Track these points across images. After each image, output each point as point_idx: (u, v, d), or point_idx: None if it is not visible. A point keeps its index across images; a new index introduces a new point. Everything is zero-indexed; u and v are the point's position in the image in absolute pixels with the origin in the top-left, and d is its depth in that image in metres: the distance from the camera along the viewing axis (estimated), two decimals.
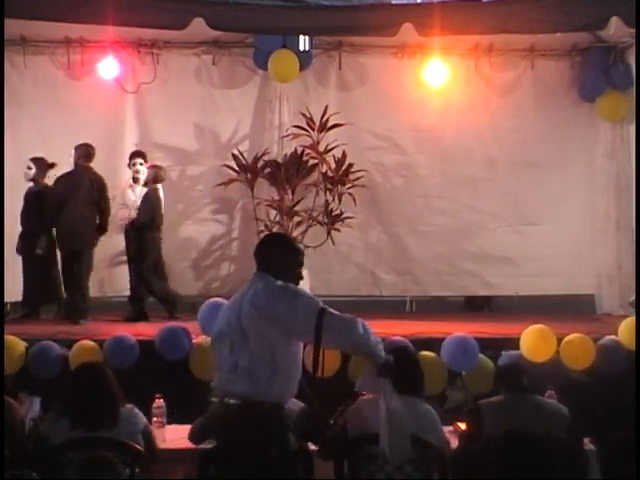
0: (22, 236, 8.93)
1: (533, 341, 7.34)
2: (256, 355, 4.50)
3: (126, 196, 9.33)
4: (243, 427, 4.45)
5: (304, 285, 9.60)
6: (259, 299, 4.55)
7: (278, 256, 4.75)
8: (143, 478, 4.49)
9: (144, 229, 8.98)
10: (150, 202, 9.05)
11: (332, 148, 9.62)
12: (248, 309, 4.55)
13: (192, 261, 10.08)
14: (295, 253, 4.83)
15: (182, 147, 10.03)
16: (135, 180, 9.31)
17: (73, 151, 8.82)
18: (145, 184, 9.14)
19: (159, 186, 9.25)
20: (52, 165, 9.05)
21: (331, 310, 4.61)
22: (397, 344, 6.69)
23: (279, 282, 4.62)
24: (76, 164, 8.78)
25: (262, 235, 9.68)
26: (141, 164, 9.26)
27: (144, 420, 4.84)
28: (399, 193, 10.19)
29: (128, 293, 9.35)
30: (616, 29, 7.68)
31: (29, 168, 8.93)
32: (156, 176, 9.13)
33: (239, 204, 10.06)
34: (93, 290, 9.64)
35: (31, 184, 9.01)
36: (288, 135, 9.85)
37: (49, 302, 9.13)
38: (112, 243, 9.72)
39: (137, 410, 4.82)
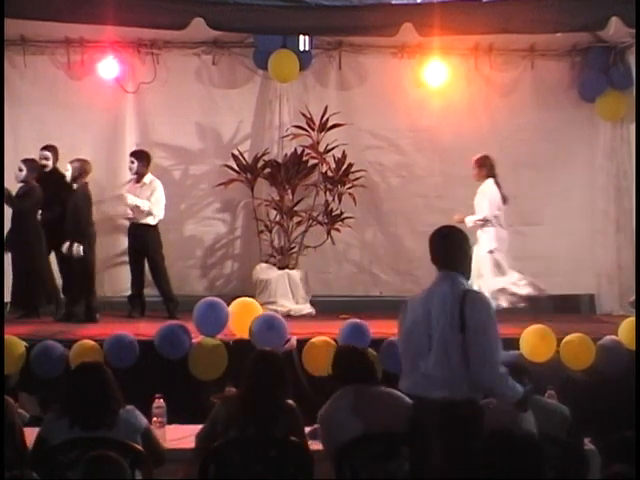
0: (12, 233, 8.92)
1: (533, 341, 7.34)
2: (438, 359, 4.47)
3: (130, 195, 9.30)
4: (439, 424, 4.41)
5: (304, 285, 9.70)
6: (447, 305, 4.51)
7: (461, 252, 4.69)
8: (143, 479, 4.48)
9: (84, 229, 8.74)
10: (79, 199, 8.75)
11: (332, 148, 9.63)
12: (436, 314, 4.53)
13: (196, 260, 10.09)
14: (470, 247, 4.76)
15: (183, 147, 10.03)
16: (136, 180, 9.30)
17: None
18: (73, 180, 8.82)
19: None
20: (44, 167, 9.07)
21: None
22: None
23: (465, 286, 4.60)
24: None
25: (262, 234, 9.73)
26: (132, 162, 9.23)
27: (144, 422, 4.83)
28: (399, 193, 10.19)
29: (129, 293, 9.37)
30: (616, 29, 7.69)
31: (20, 170, 8.90)
32: (82, 170, 8.82)
33: (241, 203, 10.06)
34: None
35: (21, 185, 8.98)
36: (288, 135, 9.85)
37: (47, 303, 9.07)
38: (112, 243, 9.73)
39: (137, 412, 4.81)
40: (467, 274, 4.70)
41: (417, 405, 4.55)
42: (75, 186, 8.79)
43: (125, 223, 9.48)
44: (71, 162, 8.86)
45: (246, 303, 7.76)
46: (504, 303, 8.74)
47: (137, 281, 9.31)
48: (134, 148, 9.62)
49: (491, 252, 8.85)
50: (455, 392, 4.43)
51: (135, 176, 9.28)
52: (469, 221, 8.81)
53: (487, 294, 8.61)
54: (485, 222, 8.87)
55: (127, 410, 4.74)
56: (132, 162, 9.24)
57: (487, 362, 4.45)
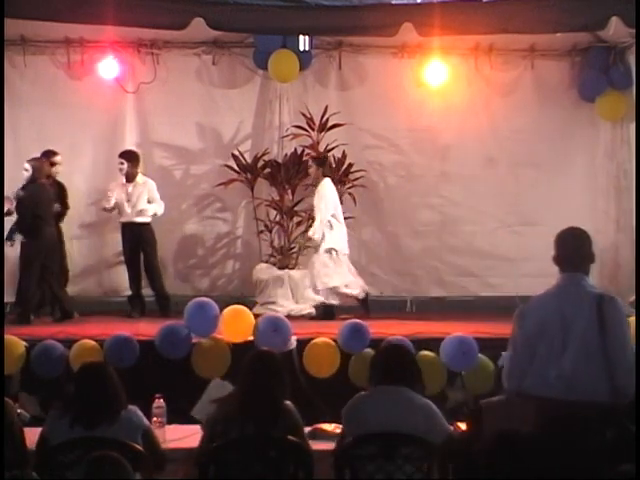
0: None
1: None
2: (577, 362, 4.45)
3: (117, 195, 9.30)
4: (578, 426, 4.29)
5: (304, 285, 9.67)
6: (584, 308, 4.50)
7: (588, 253, 4.69)
8: (143, 479, 4.47)
9: (30, 228, 8.64)
10: (31, 199, 8.63)
11: (332, 148, 9.63)
12: (572, 316, 4.50)
13: (197, 259, 10.09)
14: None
15: (183, 147, 10.04)
16: (127, 179, 9.27)
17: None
18: (33, 180, 8.70)
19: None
20: (53, 164, 9.10)
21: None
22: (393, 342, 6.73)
23: (596, 289, 4.59)
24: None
25: (262, 234, 9.73)
26: (122, 164, 9.22)
27: (146, 422, 4.83)
28: (399, 193, 10.19)
29: (128, 293, 9.37)
30: (616, 29, 7.69)
31: (26, 170, 8.88)
32: (41, 170, 8.73)
33: (242, 203, 10.06)
34: (93, 290, 9.66)
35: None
36: (288, 135, 9.86)
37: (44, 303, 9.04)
38: (111, 243, 9.73)
39: (139, 412, 4.82)
40: (588, 275, 4.69)
41: (551, 407, 4.44)
42: (32, 185, 8.69)
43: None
44: (29, 161, 8.77)
45: (237, 311, 7.71)
46: (335, 301, 8.97)
47: (136, 280, 9.32)
48: (135, 148, 9.64)
49: (333, 251, 8.97)
50: (596, 395, 4.40)
51: (124, 177, 9.28)
52: (314, 234, 8.97)
53: (320, 291, 8.91)
54: (323, 224, 8.96)
55: (129, 410, 4.75)
56: (122, 163, 9.23)
57: (630, 364, 4.44)
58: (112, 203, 9.21)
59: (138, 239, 9.22)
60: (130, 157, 9.28)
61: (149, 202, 9.26)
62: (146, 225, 9.25)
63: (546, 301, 4.72)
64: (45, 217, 8.68)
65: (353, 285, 9.08)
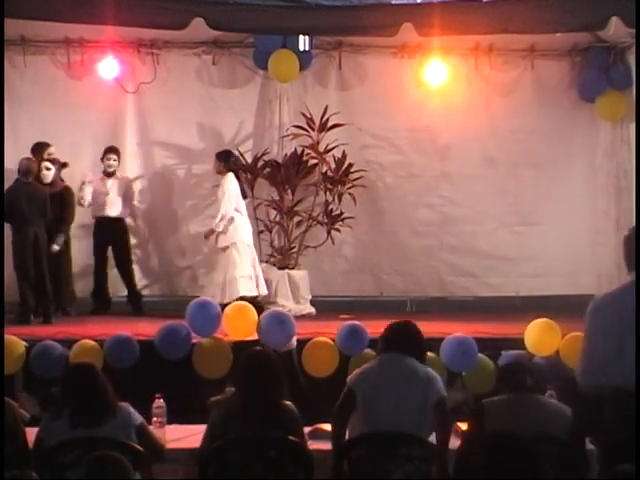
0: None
1: (538, 334, 7.33)
2: None
3: (95, 189, 9.37)
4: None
5: (304, 285, 9.68)
6: None
7: None
8: (143, 479, 4.47)
9: (12, 228, 8.68)
10: (12, 198, 8.58)
11: (332, 148, 9.64)
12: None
13: (199, 259, 10.07)
14: None
15: (183, 146, 10.04)
16: (108, 174, 9.39)
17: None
18: (17, 179, 8.72)
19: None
20: (65, 164, 9.22)
21: None
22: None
23: None
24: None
25: (262, 234, 9.73)
26: (115, 160, 9.36)
27: (139, 418, 4.82)
28: (399, 193, 10.20)
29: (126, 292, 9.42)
30: (616, 29, 7.70)
31: (47, 169, 8.93)
32: (28, 169, 8.72)
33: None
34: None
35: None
36: (288, 135, 9.86)
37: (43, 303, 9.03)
38: None
39: (132, 409, 4.81)
40: None
41: (627, 397, 4.58)
42: (14, 184, 8.69)
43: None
44: (20, 161, 8.79)
45: (241, 307, 7.73)
46: (235, 292, 8.84)
47: (104, 276, 9.39)
48: (135, 148, 9.66)
49: (238, 244, 9.00)
50: None
51: (109, 171, 9.43)
52: (217, 226, 8.99)
53: (220, 284, 8.87)
54: (226, 218, 9.00)
55: (120, 407, 4.74)
56: (115, 160, 9.40)
57: None
58: (89, 198, 9.32)
59: (113, 234, 9.34)
60: (119, 153, 9.44)
61: (128, 198, 9.46)
62: (122, 221, 9.40)
63: (621, 297, 4.89)
64: (28, 217, 8.60)
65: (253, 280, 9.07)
